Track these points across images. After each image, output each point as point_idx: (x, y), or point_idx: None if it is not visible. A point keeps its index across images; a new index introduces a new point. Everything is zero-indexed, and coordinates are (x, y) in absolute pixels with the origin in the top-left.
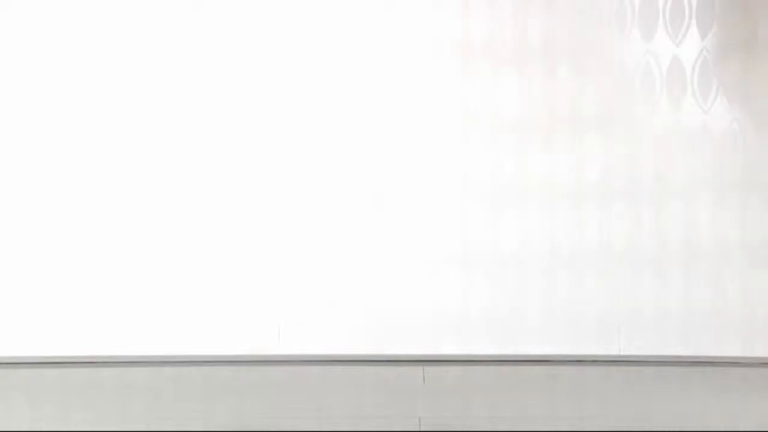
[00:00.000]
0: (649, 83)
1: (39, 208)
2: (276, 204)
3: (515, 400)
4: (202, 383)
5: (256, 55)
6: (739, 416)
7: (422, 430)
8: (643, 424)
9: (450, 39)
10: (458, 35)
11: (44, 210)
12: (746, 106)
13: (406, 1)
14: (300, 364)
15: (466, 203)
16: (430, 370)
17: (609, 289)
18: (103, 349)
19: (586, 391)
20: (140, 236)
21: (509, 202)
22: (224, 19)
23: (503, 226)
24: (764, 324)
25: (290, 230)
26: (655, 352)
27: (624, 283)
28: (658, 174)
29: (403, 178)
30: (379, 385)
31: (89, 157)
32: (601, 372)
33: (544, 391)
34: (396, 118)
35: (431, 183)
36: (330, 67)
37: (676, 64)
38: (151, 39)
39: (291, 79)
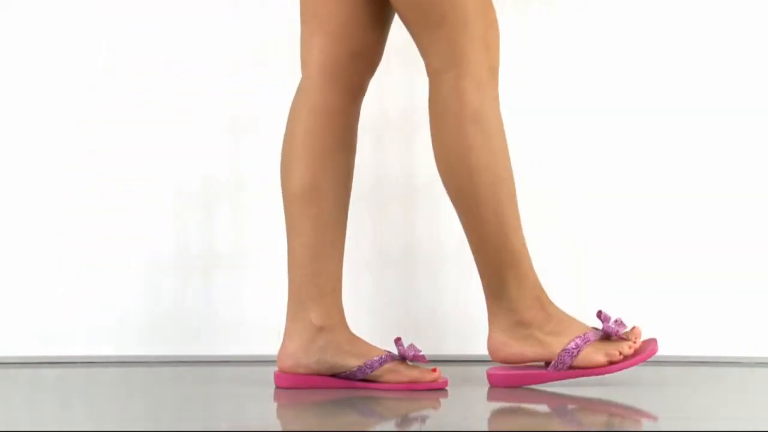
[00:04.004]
0: None
1: (39, 208)
2: (273, 201)
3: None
4: (202, 383)
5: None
6: (739, 416)
7: (424, 429)
8: (642, 424)
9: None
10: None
11: (44, 210)
12: None
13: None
14: None
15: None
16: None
17: None
18: (103, 350)
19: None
20: (140, 236)
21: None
22: None
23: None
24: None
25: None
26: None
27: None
28: None
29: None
30: None
31: (89, 157)
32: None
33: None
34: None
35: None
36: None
37: None
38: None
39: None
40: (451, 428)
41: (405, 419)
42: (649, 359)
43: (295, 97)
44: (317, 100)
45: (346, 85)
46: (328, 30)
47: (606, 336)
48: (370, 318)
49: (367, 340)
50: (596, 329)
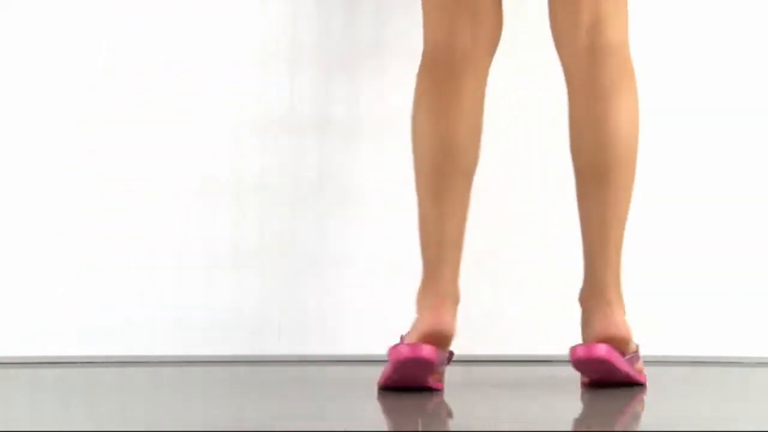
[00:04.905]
0: None
1: (39, 208)
2: (273, 201)
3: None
4: (201, 383)
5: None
6: (739, 416)
7: (422, 430)
8: (643, 424)
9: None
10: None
11: (44, 210)
12: None
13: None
14: (300, 364)
15: None
16: None
17: None
18: (103, 349)
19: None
20: (140, 236)
21: None
22: None
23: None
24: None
25: (289, 228)
26: (652, 352)
27: None
28: None
29: None
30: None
31: (89, 157)
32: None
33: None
34: None
35: None
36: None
37: None
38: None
39: None
40: (451, 428)
41: (406, 419)
42: (650, 359)
43: (422, 80)
44: (457, 83)
45: (477, 68)
46: (468, 13)
47: None
48: (371, 318)
49: (367, 340)
50: None
